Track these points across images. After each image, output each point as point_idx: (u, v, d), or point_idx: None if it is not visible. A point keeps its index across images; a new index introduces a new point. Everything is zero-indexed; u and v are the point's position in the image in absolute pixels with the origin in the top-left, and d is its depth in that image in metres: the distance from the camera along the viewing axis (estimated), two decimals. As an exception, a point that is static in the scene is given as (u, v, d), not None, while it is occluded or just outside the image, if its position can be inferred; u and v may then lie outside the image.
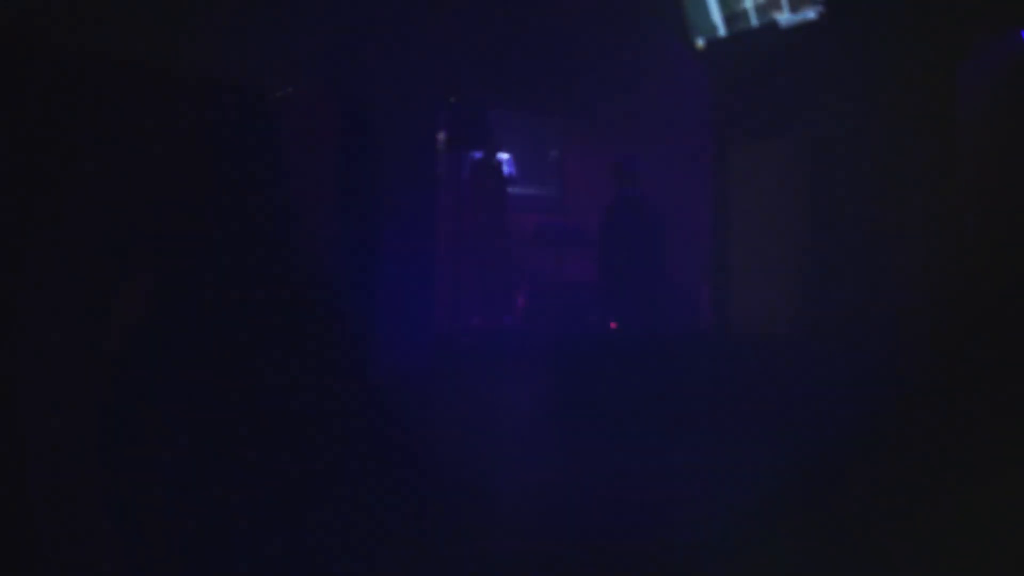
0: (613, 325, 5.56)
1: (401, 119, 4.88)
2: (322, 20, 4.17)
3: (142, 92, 2.60)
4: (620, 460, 2.62)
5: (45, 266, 2.28)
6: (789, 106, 3.96)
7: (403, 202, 4.77)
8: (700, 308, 5.64)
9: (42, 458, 2.22)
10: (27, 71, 2.24)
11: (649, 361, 3.87)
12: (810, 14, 3.80)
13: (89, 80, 2.37)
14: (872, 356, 3.44)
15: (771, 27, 4.00)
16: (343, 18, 4.25)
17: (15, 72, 2.24)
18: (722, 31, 4.25)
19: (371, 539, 1.74)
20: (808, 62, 3.86)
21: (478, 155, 7.61)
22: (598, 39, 6.69)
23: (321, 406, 3.32)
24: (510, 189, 8.04)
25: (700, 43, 4.37)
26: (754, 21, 4.07)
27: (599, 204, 6.24)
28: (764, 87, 4.09)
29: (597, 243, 6.15)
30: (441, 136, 6.69)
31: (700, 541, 1.73)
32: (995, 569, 1.54)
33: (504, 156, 8.50)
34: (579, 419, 3.59)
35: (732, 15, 4.15)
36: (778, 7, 3.90)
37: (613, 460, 2.63)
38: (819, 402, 3.19)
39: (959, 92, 3.55)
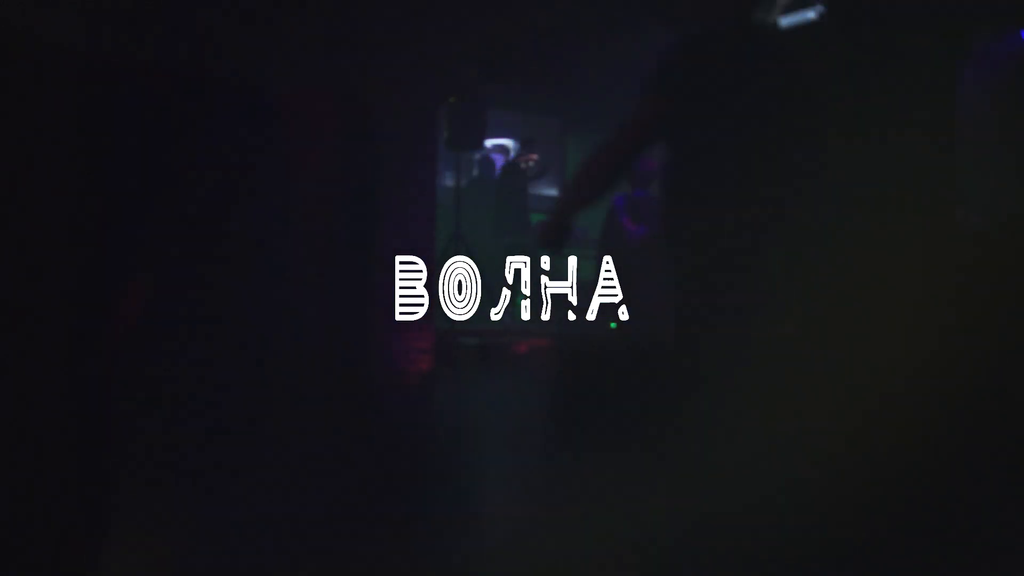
0: (611, 325, 5.56)
1: (401, 119, 4.88)
2: (321, 19, 4.17)
3: (141, 91, 2.60)
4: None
5: (44, 264, 2.27)
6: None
7: (402, 202, 4.76)
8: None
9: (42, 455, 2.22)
10: (25, 69, 2.23)
11: (647, 363, 3.85)
12: (810, 14, 3.80)
13: (86, 79, 2.36)
14: (872, 357, 3.43)
15: (771, 27, 4.00)
16: (343, 16, 4.25)
17: (14, 71, 2.24)
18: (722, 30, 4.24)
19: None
20: (808, 62, 3.85)
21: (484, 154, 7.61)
22: (599, 38, 6.69)
23: (319, 407, 3.31)
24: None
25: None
26: (754, 21, 4.07)
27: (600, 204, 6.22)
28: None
29: (597, 242, 6.14)
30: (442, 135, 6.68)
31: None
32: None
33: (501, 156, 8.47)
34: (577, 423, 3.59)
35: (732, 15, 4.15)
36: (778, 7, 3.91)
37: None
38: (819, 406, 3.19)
39: (959, 92, 3.54)
